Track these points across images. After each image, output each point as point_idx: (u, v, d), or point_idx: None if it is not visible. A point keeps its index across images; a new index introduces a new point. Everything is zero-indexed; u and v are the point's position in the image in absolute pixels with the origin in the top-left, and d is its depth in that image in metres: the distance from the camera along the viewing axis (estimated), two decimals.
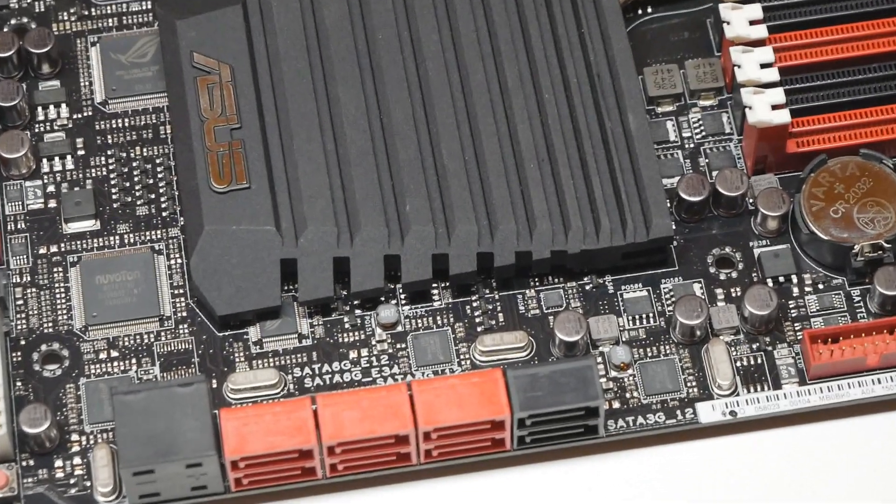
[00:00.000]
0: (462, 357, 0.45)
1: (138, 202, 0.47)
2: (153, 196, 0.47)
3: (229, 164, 0.46)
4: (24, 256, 0.46)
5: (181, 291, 0.46)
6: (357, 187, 0.46)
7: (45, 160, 0.47)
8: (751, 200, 0.47)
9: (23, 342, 0.45)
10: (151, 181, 0.47)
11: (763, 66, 0.47)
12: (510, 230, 0.45)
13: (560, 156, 0.46)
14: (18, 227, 0.47)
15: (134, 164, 0.47)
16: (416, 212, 0.45)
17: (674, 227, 0.46)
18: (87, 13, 0.49)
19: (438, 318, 0.46)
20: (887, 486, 0.44)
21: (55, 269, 0.46)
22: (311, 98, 0.47)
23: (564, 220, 0.45)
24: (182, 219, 0.47)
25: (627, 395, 0.45)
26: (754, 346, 0.45)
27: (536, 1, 0.48)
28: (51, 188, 0.47)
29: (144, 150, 0.48)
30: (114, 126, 0.48)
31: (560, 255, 0.45)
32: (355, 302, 0.46)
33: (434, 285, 0.46)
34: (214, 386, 0.45)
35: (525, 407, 0.43)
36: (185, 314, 0.46)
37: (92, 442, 0.44)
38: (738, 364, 0.45)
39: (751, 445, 0.45)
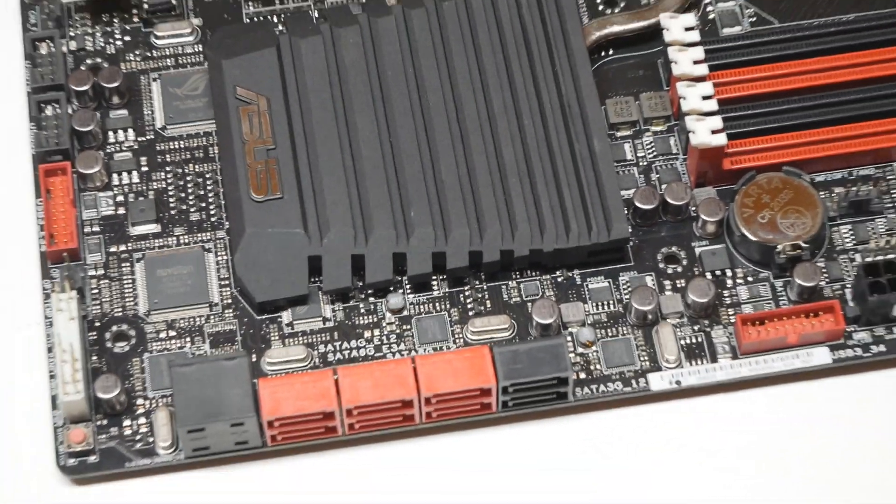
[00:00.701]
0: (456, 336, 0.45)
1: (191, 209, 0.47)
2: (203, 204, 0.47)
3: (266, 178, 0.45)
4: (99, 254, 0.46)
5: (227, 282, 0.46)
6: (370, 197, 0.45)
7: (115, 175, 0.47)
8: (693, 208, 0.46)
9: (97, 324, 0.45)
10: (202, 192, 0.47)
11: (704, 97, 0.46)
12: (495, 232, 0.45)
13: (537, 171, 0.46)
14: (94, 230, 0.46)
15: (188, 179, 0.47)
16: (419, 217, 0.45)
17: (630, 230, 0.45)
18: (149, 54, 0.49)
19: (437, 304, 0.45)
20: (803, 444, 0.44)
21: (123, 264, 0.46)
22: (332, 123, 0.46)
23: (540, 224, 0.45)
24: (227, 223, 0.46)
25: (591, 368, 0.44)
26: (695, 328, 0.45)
27: (518, 44, 0.47)
28: (120, 198, 0.47)
29: (196, 166, 0.47)
30: (171, 147, 0.48)
31: (537, 254, 0.45)
32: (369, 291, 0.45)
33: (433, 278, 0.45)
34: (254, 360, 0.44)
35: (508, 377, 0.43)
36: (229, 301, 0.45)
37: (154, 405, 0.44)
38: (682, 342, 0.45)
39: (692, 408, 0.44)
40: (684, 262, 0.46)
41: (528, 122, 0.46)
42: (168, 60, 0.49)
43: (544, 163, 0.46)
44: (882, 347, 0.45)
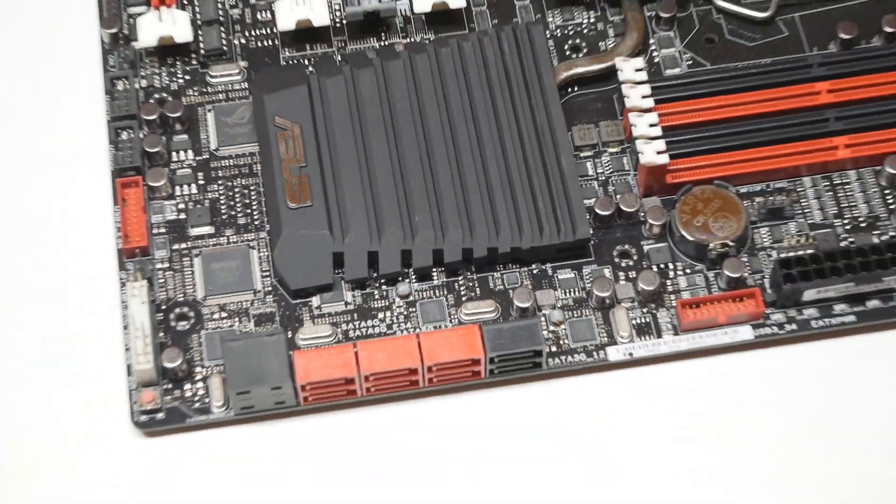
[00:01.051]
0: (452, 317, 0.47)
1: (238, 215, 0.49)
2: (248, 211, 0.49)
3: (299, 189, 0.48)
4: (164, 250, 0.48)
5: (267, 273, 0.48)
6: (382, 204, 0.47)
7: (177, 187, 0.49)
8: (642, 214, 0.48)
9: (163, 307, 0.47)
10: (247, 201, 0.49)
11: (650, 125, 0.48)
12: (483, 233, 0.47)
13: (516, 184, 0.48)
14: (160, 231, 0.48)
15: (236, 190, 0.49)
16: (422, 221, 0.47)
17: (591, 231, 0.47)
18: (205, 90, 0.51)
19: (436, 291, 0.47)
20: (730, 405, 0.46)
21: (184, 259, 0.48)
22: (352, 145, 0.48)
23: (519, 226, 0.47)
24: (267, 226, 0.48)
25: (560, 342, 0.46)
26: (644, 310, 0.47)
27: (501, 82, 0.49)
28: (181, 206, 0.49)
29: (242, 180, 0.49)
30: (222, 165, 0.50)
31: (516, 250, 0.47)
32: (382, 280, 0.47)
33: (433, 270, 0.47)
34: (289, 336, 0.46)
35: (493, 350, 0.45)
36: (269, 289, 0.47)
37: (209, 373, 0.46)
38: (634, 322, 0.47)
39: (641, 375, 0.46)
40: (635, 258, 0.48)
41: (509, 144, 0.48)
42: (220, 95, 0.51)
43: (522, 177, 0.48)
44: (794, 326, 0.47)
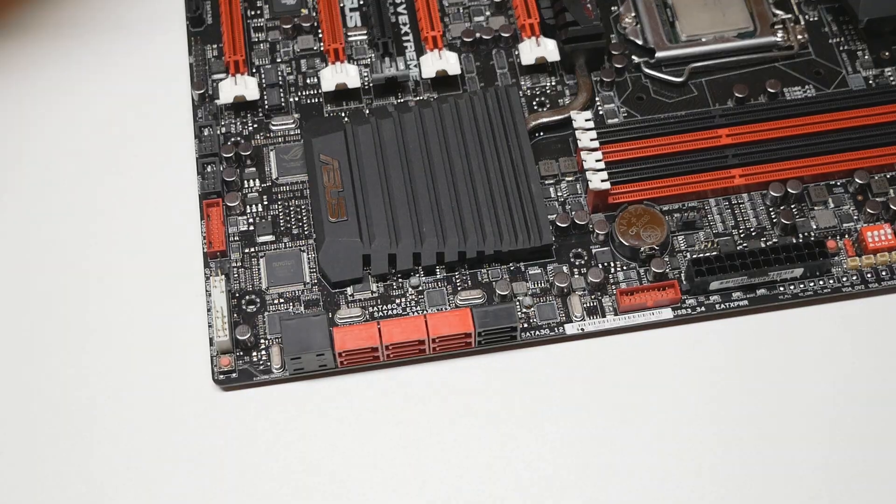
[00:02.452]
0: (450, 302, 0.44)
1: (293, 227, 0.46)
2: (300, 224, 0.46)
3: (337, 208, 0.45)
4: (238, 253, 0.45)
5: (314, 270, 0.44)
6: (399, 219, 0.44)
7: (248, 206, 0.46)
8: (591, 226, 0.45)
9: (237, 295, 0.44)
10: (299, 217, 0.46)
11: (597, 160, 0.45)
12: (473, 240, 0.44)
13: (498, 203, 0.45)
14: (234, 239, 0.45)
15: (291, 208, 0.46)
16: (428, 231, 0.44)
17: (553, 238, 0.44)
18: (268, 135, 0.48)
19: (438, 283, 0.44)
20: (654, 368, 0.43)
21: (253, 259, 0.45)
22: (376, 175, 0.45)
23: (500, 234, 0.44)
24: (314, 235, 0.45)
25: (530, 321, 0.43)
26: (592, 297, 0.44)
27: (486, 129, 0.46)
28: (250, 220, 0.46)
29: (295, 201, 0.46)
30: (281, 190, 0.46)
31: (498, 252, 0.44)
32: (398, 275, 0.44)
33: (437, 267, 0.44)
34: (330, 316, 0.43)
35: (481, 326, 0.42)
36: (315, 281, 0.44)
37: (270, 343, 0.43)
38: (585, 305, 0.44)
39: (591, 346, 0.44)
40: (585, 258, 0.45)
41: (492, 174, 0.45)
42: (279, 138, 0.48)
43: (502, 198, 0.45)
44: (703, 308, 0.44)
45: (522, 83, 0.49)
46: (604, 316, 0.44)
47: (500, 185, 0.45)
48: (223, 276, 0.44)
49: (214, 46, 0.50)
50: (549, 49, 0.48)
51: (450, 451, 0.42)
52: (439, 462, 0.41)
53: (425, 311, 0.44)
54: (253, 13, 0.51)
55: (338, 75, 0.48)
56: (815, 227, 0.45)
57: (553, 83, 0.49)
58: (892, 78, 0.48)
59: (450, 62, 0.48)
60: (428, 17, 0.49)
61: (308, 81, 0.49)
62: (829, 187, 0.46)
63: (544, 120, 0.47)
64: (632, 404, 0.42)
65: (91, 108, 0.49)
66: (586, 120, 0.46)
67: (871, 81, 0.48)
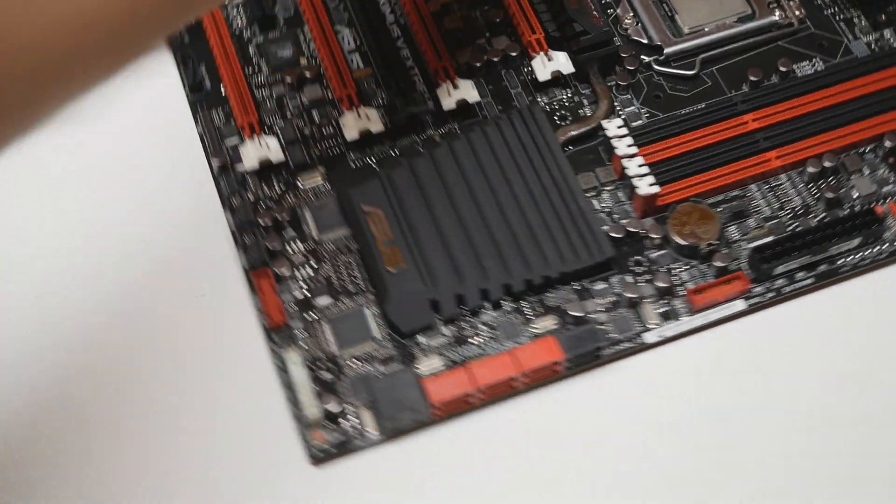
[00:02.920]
0: (525, 333, 0.43)
1: (348, 284, 0.44)
2: (354, 279, 0.44)
3: (393, 257, 0.44)
4: (300, 321, 0.43)
5: (381, 324, 0.43)
6: (457, 257, 0.44)
7: (296, 269, 0.44)
8: (643, 232, 0.45)
9: (309, 364, 0.42)
10: (350, 272, 0.44)
11: (639, 165, 0.45)
12: (537, 265, 0.44)
13: (551, 224, 0.44)
14: (293, 307, 0.43)
15: (341, 265, 0.45)
16: (490, 264, 0.44)
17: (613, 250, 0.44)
18: (298, 194, 0.46)
19: (508, 315, 0.44)
20: (740, 353, 0.44)
21: (315, 325, 0.43)
22: (423, 216, 0.45)
23: (562, 255, 0.44)
24: (373, 289, 0.44)
25: (609, 336, 0.43)
26: (663, 302, 0.44)
27: (520, 151, 0.46)
28: (303, 285, 0.44)
29: (343, 257, 0.45)
30: (325, 248, 0.45)
31: (563, 274, 0.44)
32: (467, 314, 0.44)
33: (503, 299, 0.44)
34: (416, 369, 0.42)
35: (569, 351, 0.42)
36: (386, 335, 0.43)
37: (358, 408, 0.42)
38: (658, 311, 0.44)
39: (674, 351, 0.44)
40: (645, 264, 0.45)
41: (538, 195, 0.45)
42: (310, 195, 0.46)
43: (553, 219, 0.45)
44: (772, 294, 0.44)
45: (539, 99, 0.49)
46: (678, 319, 0.44)
47: (547, 205, 0.45)
48: (296, 349, 0.42)
49: (220, 110, 0.48)
50: (561, 62, 0.48)
51: (579, 475, 0.41)
52: (574, 486, 0.41)
53: (501, 346, 0.43)
54: (251, 70, 0.49)
55: (359, 121, 0.47)
56: (856, 195, 0.46)
57: (569, 95, 0.49)
58: (891, 40, 0.50)
59: (467, 91, 0.48)
60: (433, 49, 0.49)
61: (325, 132, 0.48)
62: (860, 155, 0.47)
63: (573, 133, 0.48)
64: (738, 397, 0.43)
65: (113, 196, 0.47)
66: (618, 127, 0.46)
67: (872, 46, 0.50)
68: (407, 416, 0.41)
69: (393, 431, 0.42)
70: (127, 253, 0.45)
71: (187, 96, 0.49)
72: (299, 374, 0.42)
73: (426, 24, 0.49)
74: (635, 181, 0.45)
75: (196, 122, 0.48)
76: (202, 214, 0.46)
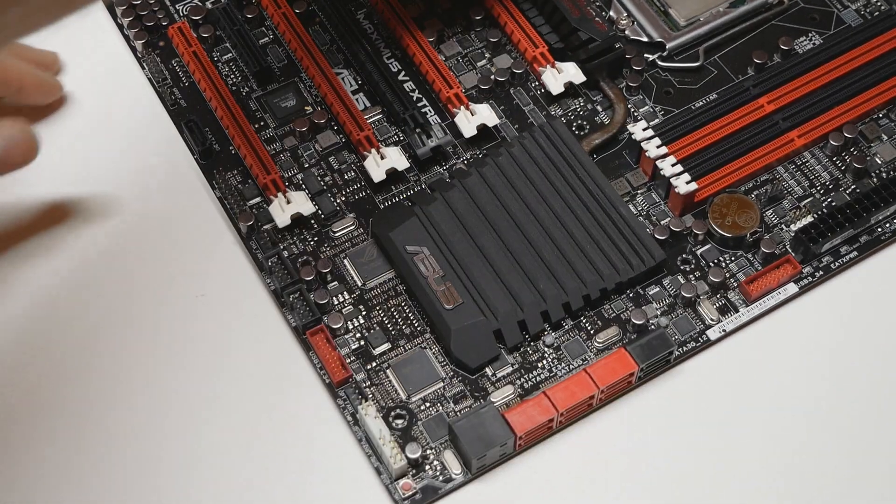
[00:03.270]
0: (589, 349, 0.43)
1: (403, 327, 0.44)
2: (409, 320, 0.44)
3: (448, 294, 0.43)
4: (362, 373, 0.43)
5: (443, 363, 0.43)
6: (512, 283, 0.44)
7: (348, 322, 0.44)
8: (685, 231, 0.45)
9: (381, 414, 0.42)
10: (404, 314, 0.44)
11: (672, 164, 0.46)
12: (592, 280, 0.44)
13: (597, 236, 0.45)
14: (352, 359, 0.43)
15: (392, 310, 0.44)
16: (546, 286, 0.44)
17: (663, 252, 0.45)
18: (334, 243, 0.46)
19: (569, 334, 0.44)
20: (801, 331, 0.44)
21: (379, 373, 0.43)
22: (469, 248, 0.44)
23: (615, 266, 0.44)
24: (431, 327, 0.44)
25: (674, 338, 0.43)
26: (717, 296, 0.44)
27: (551, 168, 0.46)
28: (357, 335, 0.43)
29: (392, 300, 0.44)
30: (373, 294, 0.44)
31: (619, 284, 0.44)
32: (529, 340, 0.44)
33: (563, 319, 0.44)
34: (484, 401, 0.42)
35: (643, 360, 0.42)
36: (451, 373, 0.43)
37: (439, 450, 0.41)
38: (716, 307, 0.44)
39: (738, 343, 0.44)
40: (693, 262, 0.45)
41: (578, 210, 0.45)
42: (346, 243, 0.46)
43: (598, 230, 0.45)
44: (820, 272, 0.45)
45: (554, 112, 0.49)
46: (737, 311, 0.44)
47: (589, 217, 0.45)
48: (368, 402, 0.42)
49: (236, 172, 0.47)
50: (572, 73, 0.49)
51: (680, 480, 0.41)
52: (683, 489, 0.41)
53: (569, 366, 0.43)
54: (257, 126, 0.49)
55: (384, 162, 0.47)
56: (880, 162, 0.47)
57: (582, 104, 0.49)
58: (880, 3, 0.51)
59: (484, 114, 0.48)
60: (441, 78, 0.49)
61: (346, 177, 0.47)
62: (876, 122, 0.48)
63: (597, 141, 0.48)
64: (810, 378, 0.43)
65: (141, 279, 0.46)
66: (644, 129, 0.47)
67: (862, 12, 0.51)
68: (495, 452, 0.41)
69: (479, 470, 0.41)
70: (182, 335, 0.44)
71: (197, 162, 0.48)
72: (378, 426, 0.41)
73: (428, 54, 0.49)
74: (673, 181, 0.45)
75: (213, 187, 0.47)
76: (238, 279, 0.45)
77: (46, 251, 0.46)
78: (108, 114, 0.49)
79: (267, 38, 0.50)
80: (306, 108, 0.49)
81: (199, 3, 0.51)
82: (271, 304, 0.45)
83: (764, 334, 0.44)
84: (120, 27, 0.51)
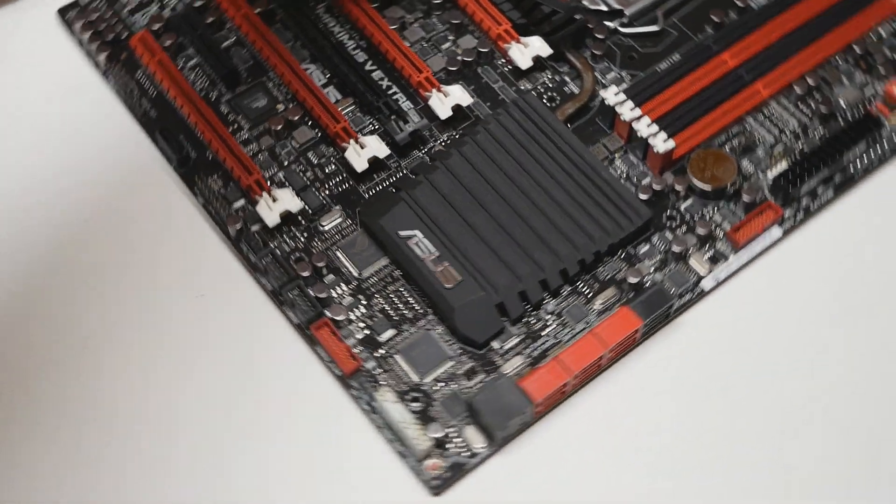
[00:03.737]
0: (590, 312, 0.44)
1: (404, 311, 0.44)
2: (410, 304, 0.45)
3: (447, 274, 0.44)
4: (372, 361, 0.43)
5: (450, 342, 0.44)
6: (507, 256, 0.44)
7: (350, 312, 0.44)
8: (668, 187, 0.47)
9: (395, 399, 0.42)
10: (405, 299, 0.45)
11: (648, 125, 0.47)
12: (585, 245, 0.45)
13: (583, 201, 0.45)
14: (359, 349, 0.44)
15: (391, 295, 0.45)
16: (540, 254, 0.44)
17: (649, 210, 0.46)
18: (324, 237, 0.46)
19: (569, 299, 0.45)
20: (792, 272, 0.46)
21: (388, 359, 0.43)
22: (460, 226, 0.45)
23: (605, 228, 0.45)
24: (431, 310, 0.44)
25: (671, 291, 0.44)
26: (706, 248, 0.46)
27: (529, 140, 0.47)
28: (361, 324, 0.44)
29: (391, 286, 0.45)
30: (371, 282, 0.45)
31: (611, 246, 0.45)
32: (531, 309, 0.44)
33: (561, 287, 0.45)
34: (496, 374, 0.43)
35: (647, 316, 0.43)
36: (459, 351, 0.44)
37: (460, 426, 0.42)
38: (705, 258, 0.45)
39: (732, 290, 0.45)
40: (678, 217, 0.47)
41: (561, 178, 0.46)
42: (336, 235, 0.46)
43: (583, 196, 0.46)
44: (801, 214, 0.47)
45: (524, 87, 0.50)
46: (727, 259, 0.46)
47: (573, 185, 0.46)
48: (385, 388, 0.42)
49: (216, 176, 0.47)
50: (538, 46, 0.50)
51: (698, 429, 0.43)
52: (700, 448, 0.42)
53: (576, 329, 0.44)
54: (231, 129, 0.49)
55: (364, 151, 0.47)
56: (844, 104, 0.49)
57: (550, 76, 0.50)
58: None
59: (457, 95, 0.49)
60: (409, 63, 0.49)
61: (327, 170, 0.48)
62: (835, 67, 0.50)
63: (570, 111, 0.49)
64: (811, 315, 0.45)
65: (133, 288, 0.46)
66: (615, 94, 0.48)
67: None
68: (516, 421, 0.42)
69: (503, 441, 0.42)
70: (183, 342, 0.44)
71: (176, 171, 0.48)
72: (398, 410, 0.42)
73: (394, 41, 0.50)
74: (651, 141, 0.47)
75: (195, 194, 0.47)
76: (232, 283, 0.45)
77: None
78: (78, 132, 0.49)
79: (230, 41, 0.51)
80: (278, 106, 0.49)
81: (158, 13, 0.51)
82: (269, 304, 0.45)
83: (755, 280, 0.46)
84: (79, 42, 0.51)
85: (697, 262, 0.46)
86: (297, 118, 0.49)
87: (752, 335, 0.45)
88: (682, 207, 0.47)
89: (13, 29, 0.51)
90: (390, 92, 0.50)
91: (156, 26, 0.51)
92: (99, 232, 0.46)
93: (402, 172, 0.48)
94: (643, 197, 0.47)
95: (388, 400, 0.42)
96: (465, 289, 0.44)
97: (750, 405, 0.43)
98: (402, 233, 0.45)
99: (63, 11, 0.52)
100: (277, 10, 0.51)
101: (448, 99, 0.48)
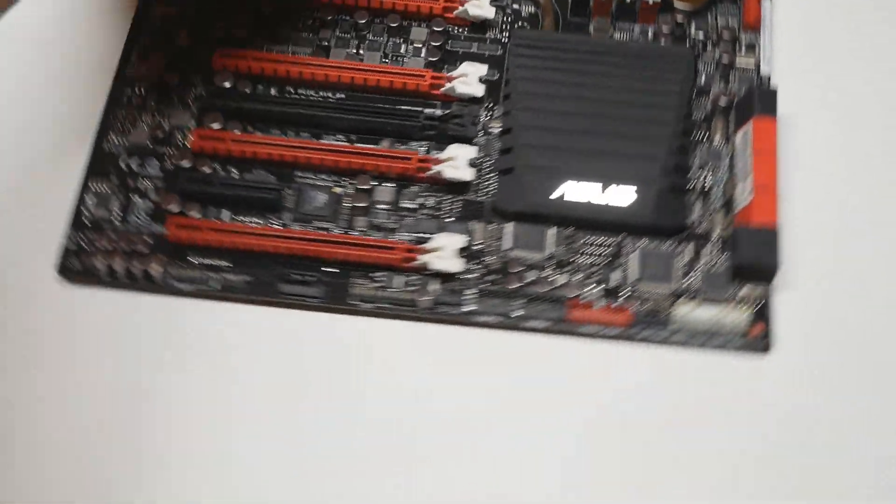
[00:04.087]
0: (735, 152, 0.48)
1: (610, 250, 0.46)
2: (607, 242, 0.46)
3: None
4: None
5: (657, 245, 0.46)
6: (635, 154, 0.46)
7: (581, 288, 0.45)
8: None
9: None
10: (596, 241, 0.46)
11: None
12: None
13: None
14: None
15: (586, 249, 0.46)
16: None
17: None
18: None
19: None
20: None
21: (637, 290, 0.45)
22: (587, 147, 0.46)
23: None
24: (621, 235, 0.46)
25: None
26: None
27: (564, 63, 0.48)
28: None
29: (578, 241, 0.46)
30: (559, 251, 0.45)
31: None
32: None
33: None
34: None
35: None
36: (673, 245, 0.45)
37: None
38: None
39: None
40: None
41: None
42: (495, 242, 0.46)
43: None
44: None
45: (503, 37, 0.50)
46: None
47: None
48: (678, 304, 0.44)
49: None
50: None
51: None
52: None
53: (737, 167, 0.47)
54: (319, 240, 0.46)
55: (458, 163, 0.47)
56: None
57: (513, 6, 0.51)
58: None
59: (472, 70, 0.49)
60: (407, 76, 0.48)
61: (430, 205, 0.47)
62: None
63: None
64: None
65: None
66: None
67: None
68: (776, 251, 0.43)
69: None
70: None
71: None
72: (703, 310, 0.43)
73: (375, 70, 0.48)
74: None
75: None
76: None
77: None
78: None
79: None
80: (335, 190, 0.47)
81: None
82: (513, 332, 0.45)
83: None
84: None
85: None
86: (365, 188, 0.47)
87: None
88: None
89: None
90: (415, 110, 0.48)
91: None
92: None
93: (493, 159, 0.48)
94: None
95: (688, 311, 0.43)
96: (640, 201, 0.45)
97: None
98: (552, 196, 0.45)
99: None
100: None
101: (469, 78, 0.48)
